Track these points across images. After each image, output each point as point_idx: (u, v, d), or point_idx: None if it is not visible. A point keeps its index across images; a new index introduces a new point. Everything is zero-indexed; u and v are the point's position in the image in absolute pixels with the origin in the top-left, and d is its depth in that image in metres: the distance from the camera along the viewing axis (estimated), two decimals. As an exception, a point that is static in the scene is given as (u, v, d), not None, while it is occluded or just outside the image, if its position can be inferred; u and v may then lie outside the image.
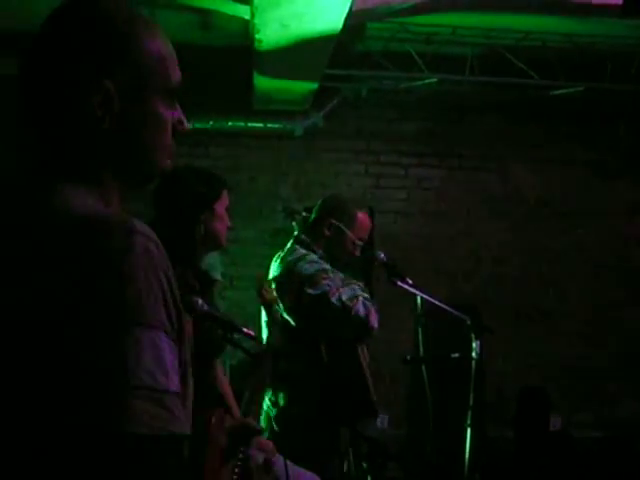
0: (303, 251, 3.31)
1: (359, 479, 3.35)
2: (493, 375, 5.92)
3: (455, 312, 3.61)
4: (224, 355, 3.52)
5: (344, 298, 3.15)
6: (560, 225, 6.46)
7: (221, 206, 2.53)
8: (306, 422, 3.13)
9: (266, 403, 3.21)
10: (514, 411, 6.02)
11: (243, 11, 4.58)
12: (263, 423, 3.12)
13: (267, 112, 6.02)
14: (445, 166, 6.41)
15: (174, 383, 0.96)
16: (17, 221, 1.03)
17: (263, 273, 3.33)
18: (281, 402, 3.20)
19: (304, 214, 4.51)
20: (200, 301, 2.22)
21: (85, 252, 0.96)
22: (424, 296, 3.63)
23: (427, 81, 5.83)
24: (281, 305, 3.19)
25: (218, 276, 4.80)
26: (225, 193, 2.57)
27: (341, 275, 3.35)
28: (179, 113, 1.18)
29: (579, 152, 6.45)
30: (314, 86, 5.53)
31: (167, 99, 1.15)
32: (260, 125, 6.07)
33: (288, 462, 2.40)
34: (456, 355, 3.72)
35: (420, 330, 5.79)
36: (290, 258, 3.30)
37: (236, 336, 2.45)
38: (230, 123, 6.02)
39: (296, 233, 3.52)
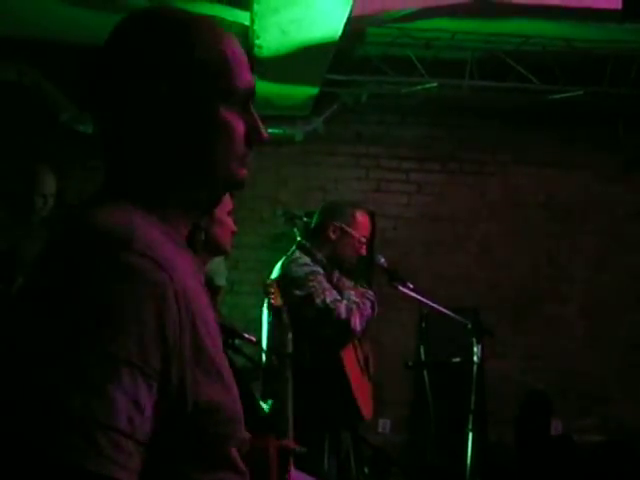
0: (298, 254, 3.39)
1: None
2: (494, 379, 5.92)
3: (456, 316, 3.62)
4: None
5: (328, 300, 3.27)
6: (561, 229, 6.46)
7: (221, 211, 2.50)
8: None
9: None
10: (515, 415, 6.01)
11: (243, 17, 4.59)
12: None
13: (267, 117, 5.97)
14: (446, 170, 6.42)
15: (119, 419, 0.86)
16: (52, 240, 0.99)
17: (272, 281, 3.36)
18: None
19: (305, 219, 4.54)
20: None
21: (70, 262, 0.91)
22: (425, 301, 3.64)
23: (427, 86, 5.83)
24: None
25: (222, 282, 4.79)
26: (226, 197, 2.53)
27: (350, 283, 3.44)
28: (255, 121, 1.11)
29: (579, 156, 6.46)
30: (314, 91, 5.54)
31: (235, 105, 1.09)
32: (260, 130, 6.08)
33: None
34: (457, 359, 3.72)
35: (421, 335, 5.82)
36: (285, 261, 3.44)
37: (237, 342, 2.44)
38: (231, 129, 6.02)
39: (299, 239, 3.57)
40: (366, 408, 3.47)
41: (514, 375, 6.22)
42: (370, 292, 3.54)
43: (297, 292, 3.27)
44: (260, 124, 1.11)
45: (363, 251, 3.53)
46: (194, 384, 0.93)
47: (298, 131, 6.13)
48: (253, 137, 1.10)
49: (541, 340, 6.34)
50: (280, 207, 6.06)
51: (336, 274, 3.55)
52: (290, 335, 2.99)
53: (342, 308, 3.28)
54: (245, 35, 4.93)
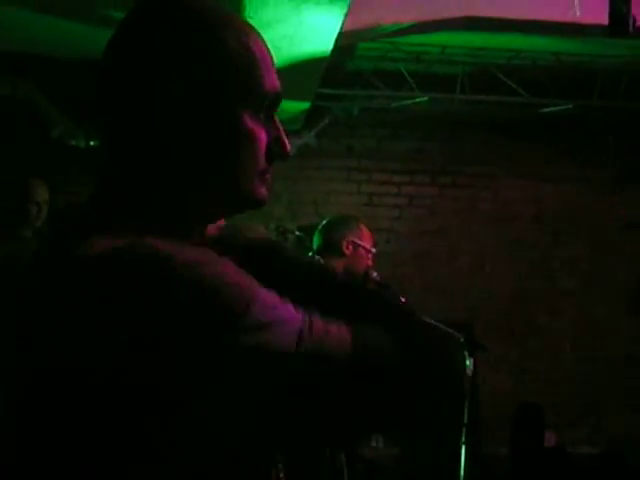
0: None
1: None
2: (488, 392, 5.93)
3: (448, 330, 3.62)
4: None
5: None
6: (552, 241, 6.48)
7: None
8: None
9: None
10: (509, 428, 6.01)
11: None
12: None
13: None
14: (437, 184, 6.44)
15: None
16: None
17: None
18: None
19: (297, 233, 4.53)
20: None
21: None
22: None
23: (418, 100, 5.86)
24: None
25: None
26: None
27: None
28: (279, 131, 0.97)
29: (570, 169, 6.49)
30: (306, 106, 5.57)
31: (259, 112, 0.94)
32: (252, 145, 6.08)
33: None
34: (450, 373, 3.71)
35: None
36: None
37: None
38: (223, 143, 6.03)
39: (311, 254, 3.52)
40: None
41: (507, 388, 6.23)
42: None
43: None
44: (284, 136, 0.97)
45: (371, 263, 3.51)
46: None
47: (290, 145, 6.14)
48: (276, 150, 0.96)
49: (534, 352, 6.35)
50: (273, 221, 6.07)
51: None
52: None
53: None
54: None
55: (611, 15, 3.27)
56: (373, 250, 3.51)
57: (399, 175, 6.40)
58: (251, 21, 3.37)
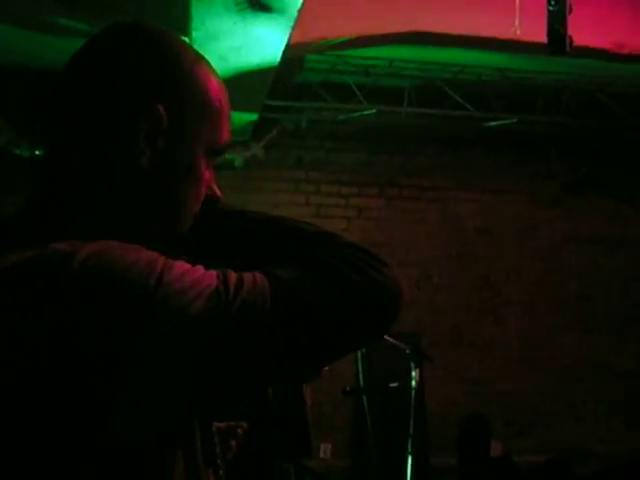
0: None
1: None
2: (436, 403, 5.97)
3: (394, 341, 3.64)
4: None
5: None
6: (498, 253, 6.58)
7: None
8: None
9: None
10: (456, 438, 6.06)
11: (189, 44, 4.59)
12: None
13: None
14: (385, 196, 6.49)
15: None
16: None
17: None
18: None
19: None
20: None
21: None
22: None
23: (366, 112, 5.91)
24: None
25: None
26: None
27: None
28: (212, 179, 1.01)
29: (514, 182, 6.61)
30: (254, 117, 5.56)
31: (209, 157, 0.98)
32: (200, 156, 6.04)
33: None
34: (395, 384, 3.73)
35: (360, 360, 5.84)
36: None
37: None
38: (170, 154, 5.98)
39: None
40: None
41: (455, 398, 6.28)
42: None
43: None
44: (214, 184, 1.01)
45: None
46: None
47: (238, 157, 6.12)
48: (208, 198, 1.00)
49: (480, 363, 6.42)
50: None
51: None
52: None
53: None
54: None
55: (549, 34, 3.37)
56: None
57: (347, 187, 6.43)
58: (197, 33, 3.33)
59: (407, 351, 3.64)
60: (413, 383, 3.60)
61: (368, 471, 5.55)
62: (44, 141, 0.97)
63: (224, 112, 0.99)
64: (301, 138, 6.37)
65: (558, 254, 6.64)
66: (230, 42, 4.08)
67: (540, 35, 3.43)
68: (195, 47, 3.25)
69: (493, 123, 6.10)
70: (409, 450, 3.71)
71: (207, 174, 0.99)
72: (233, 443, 1.63)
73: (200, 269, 0.88)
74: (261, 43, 4.10)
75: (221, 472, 1.18)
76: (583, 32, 3.93)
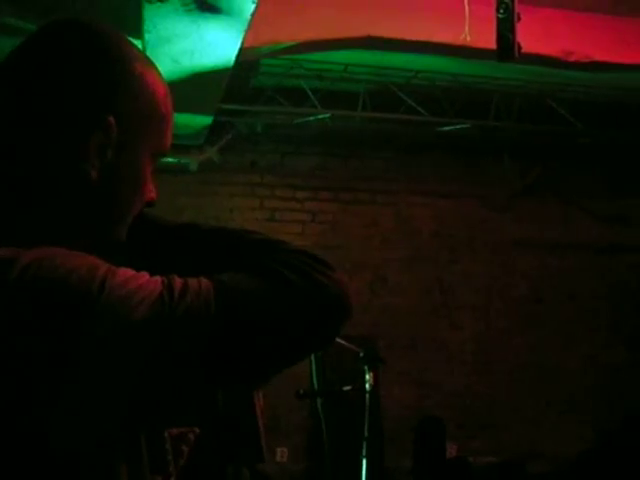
0: None
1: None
2: (391, 406, 6.01)
3: (348, 344, 3.65)
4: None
5: None
6: (451, 256, 6.64)
7: None
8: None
9: None
10: (411, 440, 6.10)
11: (135, 45, 4.55)
12: None
13: (161, 146, 5.93)
14: (339, 200, 6.51)
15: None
16: None
17: None
18: None
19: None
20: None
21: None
22: (317, 329, 3.65)
23: (320, 116, 5.92)
24: None
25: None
26: None
27: None
28: (152, 180, 1.01)
29: (467, 186, 6.68)
30: (208, 120, 5.53)
31: (153, 162, 0.98)
32: (154, 159, 5.98)
33: None
34: (348, 388, 3.74)
35: (314, 363, 5.84)
36: None
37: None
38: (123, 157, 5.92)
39: None
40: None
41: (410, 401, 6.32)
42: None
43: None
44: (153, 185, 1.01)
45: None
46: None
47: (192, 160, 6.09)
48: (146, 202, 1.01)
49: (434, 365, 6.47)
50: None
51: None
52: None
53: None
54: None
55: (498, 41, 3.43)
56: None
57: (302, 191, 6.44)
58: (150, 36, 3.28)
59: (361, 354, 3.65)
60: (367, 386, 3.61)
61: (324, 475, 5.55)
62: None
63: (169, 118, 0.99)
64: (256, 142, 6.36)
65: (509, 257, 6.73)
66: (183, 45, 4.05)
67: (490, 42, 3.48)
68: (148, 50, 3.23)
69: (447, 128, 6.17)
70: (363, 453, 3.72)
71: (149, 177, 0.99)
72: (185, 449, 1.62)
73: (144, 275, 0.87)
74: (214, 46, 4.08)
75: (172, 479, 1.17)
76: (532, 40, 4.01)
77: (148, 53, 4.24)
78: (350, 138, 6.42)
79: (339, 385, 3.87)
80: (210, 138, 6.03)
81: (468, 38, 3.46)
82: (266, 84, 5.80)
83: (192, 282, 0.87)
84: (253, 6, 3.59)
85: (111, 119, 0.91)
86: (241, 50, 4.18)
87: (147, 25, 3.81)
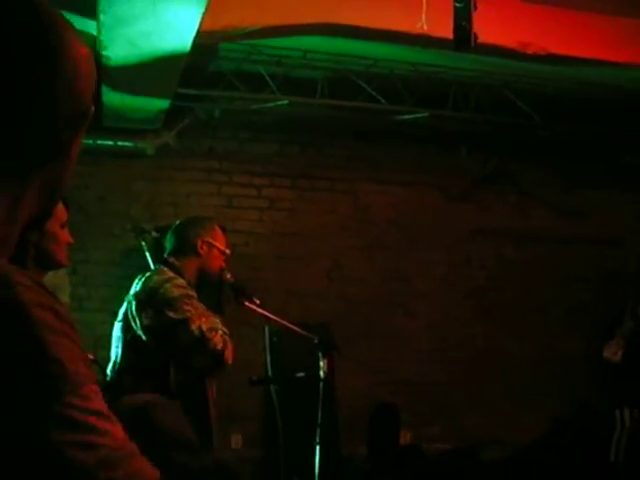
0: (171, 274, 3.30)
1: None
2: (347, 393, 6.03)
3: (302, 331, 3.65)
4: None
5: (204, 328, 3.16)
6: (409, 245, 6.68)
7: (53, 223, 2.36)
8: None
9: None
10: (366, 428, 6.14)
11: (91, 26, 4.48)
12: None
13: (118, 130, 5.87)
14: (297, 187, 6.50)
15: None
16: None
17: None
18: None
19: (154, 234, 4.44)
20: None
21: None
22: (271, 316, 3.64)
23: (278, 103, 5.89)
24: (138, 322, 3.20)
25: (66, 298, 4.66)
26: (59, 209, 2.34)
27: (202, 306, 3.34)
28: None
29: (425, 175, 6.72)
30: (165, 104, 5.47)
31: (83, 133, 0.89)
32: (110, 143, 5.89)
33: None
34: (301, 374, 3.74)
35: (269, 350, 5.84)
36: (156, 278, 3.29)
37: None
38: (79, 140, 5.83)
39: (166, 255, 3.45)
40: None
41: (365, 388, 6.36)
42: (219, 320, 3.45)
43: (171, 314, 3.14)
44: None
45: (224, 264, 3.49)
46: None
47: (149, 145, 6.02)
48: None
49: (390, 353, 6.52)
50: (130, 222, 5.93)
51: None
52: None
53: (218, 338, 3.18)
54: (92, 44, 4.81)
55: (455, 30, 3.44)
56: (227, 251, 3.51)
57: (260, 178, 6.41)
58: (105, 17, 3.21)
59: (315, 341, 3.65)
60: (321, 373, 3.61)
61: (279, 461, 5.56)
62: None
63: (92, 82, 0.90)
64: (214, 128, 6.31)
65: (466, 247, 6.79)
66: (140, 27, 3.99)
67: (447, 31, 3.49)
68: (103, 32, 3.15)
69: (405, 117, 6.19)
70: (317, 440, 3.72)
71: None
72: None
73: (119, 426, 0.81)
74: (172, 29, 4.03)
75: None
76: (490, 31, 4.03)
77: (104, 35, 4.17)
78: (308, 125, 6.40)
79: (293, 372, 3.87)
80: (168, 123, 5.96)
81: (425, 27, 3.46)
82: (225, 69, 5.75)
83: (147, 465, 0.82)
84: (211, -11, 3.55)
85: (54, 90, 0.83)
86: (198, 33, 4.14)
87: (102, 5, 3.74)
